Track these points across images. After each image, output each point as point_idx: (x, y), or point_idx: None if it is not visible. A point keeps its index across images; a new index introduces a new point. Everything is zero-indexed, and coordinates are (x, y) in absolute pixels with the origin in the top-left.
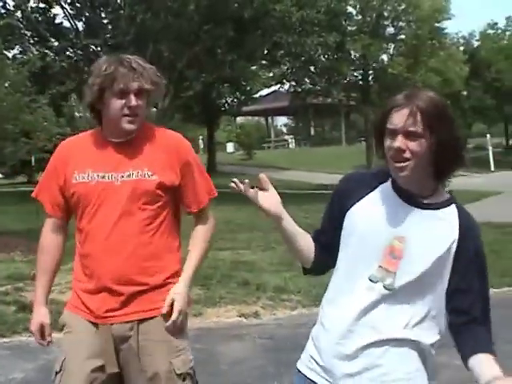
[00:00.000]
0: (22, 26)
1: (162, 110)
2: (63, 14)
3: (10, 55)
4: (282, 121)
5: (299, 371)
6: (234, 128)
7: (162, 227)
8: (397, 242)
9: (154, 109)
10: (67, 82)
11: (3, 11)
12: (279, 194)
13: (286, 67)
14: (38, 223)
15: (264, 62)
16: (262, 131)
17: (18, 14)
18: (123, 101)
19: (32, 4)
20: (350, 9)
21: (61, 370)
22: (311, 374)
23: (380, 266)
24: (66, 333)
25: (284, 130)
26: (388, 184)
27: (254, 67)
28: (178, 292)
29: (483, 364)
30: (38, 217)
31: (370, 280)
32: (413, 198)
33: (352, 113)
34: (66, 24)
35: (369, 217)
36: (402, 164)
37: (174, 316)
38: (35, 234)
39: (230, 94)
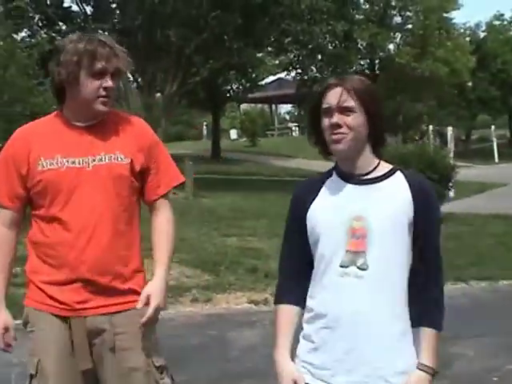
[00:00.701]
0: (30, 9)
1: (169, 95)
2: None
3: (18, 38)
4: (285, 109)
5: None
6: (238, 115)
7: (134, 214)
8: (355, 222)
9: (159, 94)
10: None
11: None
12: (282, 181)
13: (292, 55)
14: None
15: (271, 49)
16: (265, 118)
17: None
18: (99, 81)
19: None
20: None
21: (37, 373)
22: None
23: (347, 251)
24: (31, 331)
25: (287, 117)
26: (334, 176)
27: (260, 54)
28: (155, 287)
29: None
30: None
31: (342, 266)
32: (357, 177)
33: None
34: (75, 8)
35: (324, 210)
36: (339, 136)
37: (150, 312)
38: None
39: (235, 80)
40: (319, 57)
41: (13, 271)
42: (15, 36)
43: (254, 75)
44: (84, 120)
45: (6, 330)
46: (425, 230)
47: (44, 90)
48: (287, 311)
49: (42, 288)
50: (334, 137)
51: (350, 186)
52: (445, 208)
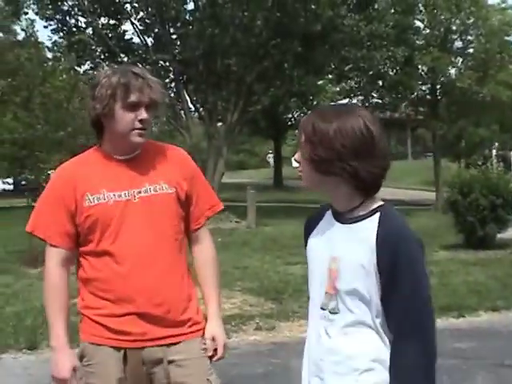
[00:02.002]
0: (92, 41)
1: (230, 124)
2: (133, 30)
3: (81, 70)
4: None
5: None
6: None
7: (183, 243)
8: (333, 263)
9: (220, 123)
10: None
11: (75, 28)
12: None
13: (353, 82)
14: None
15: (331, 76)
16: None
17: (89, 30)
18: (134, 113)
19: (103, 21)
20: (418, 23)
21: None
22: None
23: (326, 292)
24: (88, 365)
25: None
26: (329, 212)
27: (321, 81)
28: (216, 327)
29: None
30: None
31: (322, 308)
32: (340, 215)
33: (419, 127)
34: (136, 40)
35: (315, 247)
36: (299, 171)
37: (221, 352)
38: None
39: (296, 108)
40: (380, 83)
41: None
42: (78, 69)
43: (314, 102)
44: (123, 153)
45: (75, 370)
46: (389, 284)
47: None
48: None
49: (98, 321)
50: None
51: (335, 224)
52: (509, 233)
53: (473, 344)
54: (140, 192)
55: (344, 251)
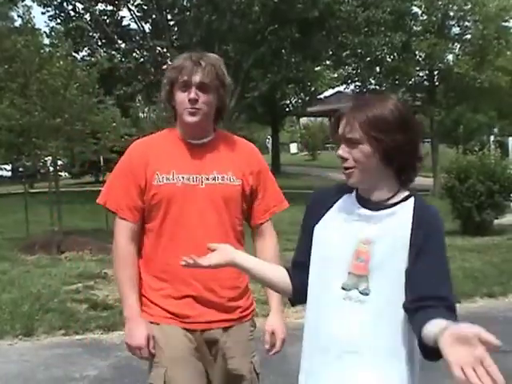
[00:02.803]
0: (90, 28)
1: (228, 110)
2: (130, 16)
3: (78, 57)
4: None
5: None
6: (297, 129)
7: (241, 235)
8: (362, 244)
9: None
10: (134, 83)
11: (73, 14)
12: None
13: (351, 68)
14: (105, 223)
15: (329, 62)
16: (325, 132)
17: (87, 16)
18: (185, 94)
19: (100, 7)
20: (415, 9)
21: (165, 382)
22: None
23: (349, 273)
24: (158, 347)
25: None
26: (352, 193)
27: (318, 68)
28: (277, 322)
29: (435, 323)
30: (107, 217)
31: (343, 289)
32: (372, 202)
33: (417, 113)
34: (133, 26)
35: (332, 228)
36: (347, 171)
37: (278, 346)
38: (103, 233)
39: (294, 94)
40: (377, 69)
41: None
42: (75, 55)
43: (312, 89)
44: (192, 136)
45: (149, 338)
46: (423, 260)
47: (104, 108)
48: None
49: (156, 303)
50: (344, 171)
51: (361, 209)
52: (506, 219)
53: None
54: (208, 179)
55: (378, 234)
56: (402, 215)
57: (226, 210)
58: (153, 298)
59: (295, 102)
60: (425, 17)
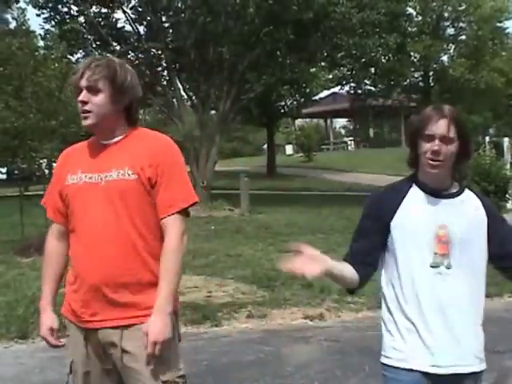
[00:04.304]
0: (84, 30)
1: (223, 112)
2: (125, 19)
3: (73, 59)
4: (340, 123)
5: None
6: (292, 130)
7: (150, 229)
8: (440, 230)
9: (213, 111)
10: None
11: (67, 16)
12: (338, 196)
13: (346, 69)
14: None
15: (324, 63)
16: (321, 133)
17: (81, 18)
18: (79, 97)
19: (94, 9)
20: (410, 10)
21: (71, 371)
22: (416, 365)
23: (435, 253)
24: (67, 335)
25: (342, 132)
26: (414, 187)
27: (313, 69)
28: (151, 323)
29: None
30: None
31: (433, 267)
32: (437, 192)
33: (412, 114)
34: (128, 28)
35: (412, 218)
36: (437, 163)
37: (148, 350)
38: None
39: (289, 95)
40: (373, 70)
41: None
42: (70, 57)
43: (307, 90)
44: (102, 138)
45: (52, 330)
46: (502, 229)
47: None
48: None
49: (67, 299)
50: (432, 162)
51: (432, 199)
52: None
53: None
54: (107, 176)
55: (452, 219)
56: (471, 201)
57: (122, 204)
58: (66, 294)
59: (290, 103)
60: (420, 18)
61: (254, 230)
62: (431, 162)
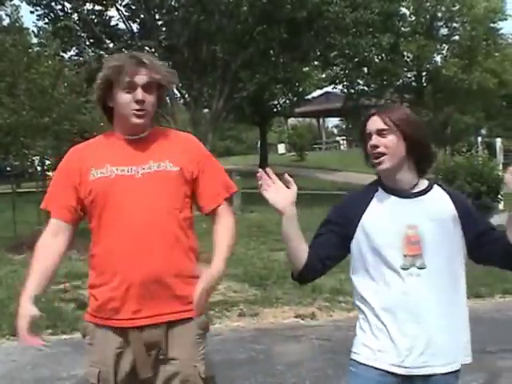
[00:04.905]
0: (78, 27)
1: (216, 110)
2: (118, 16)
3: (66, 56)
4: (332, 122)
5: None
6: (285, 129)
7: (188, 222)
8: (410, 230)
9: (206, 109)
10: None
11: (61, 14)
12: (330, 195)
13: (339, 68)
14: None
15: (317, 63)
16: (313, 132)
17: (75, 16)
18: (131, 95)
19: (88, 6)
20: (403, 10)
21: (99, 381)
22: (384, 365)
23: (405, 255)
24: (90, 344)
25: (335, 131)
26: (380, 191)
27: (306, 68)
28: (207, 273)
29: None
30: None
31: (404, 268)
32: (403, 192)
33: None
34: (121, 26)
35: (379, 221)
36: (380, 158)
37: (196, 295)
38: (90, 233)
39: (282, 95)
40: (365, 70)
41: (53, 279)
42: (63, 55)
43: (300, 89)
44: (131, 134)
45: (32, 318)
46: (475, 222)
47: (92, 108)
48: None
49: (99, 301)
50: (375, 160)
51: (397, 200)
52: (493, 220)
53: None
54: (144, 168)
55: (423, 218)
56: (440, 197)
57: (163, 195)
58: (96, 296)
59: (283, 102)
60: (413, 18)
61: (245, 229)
62: (375, 161)
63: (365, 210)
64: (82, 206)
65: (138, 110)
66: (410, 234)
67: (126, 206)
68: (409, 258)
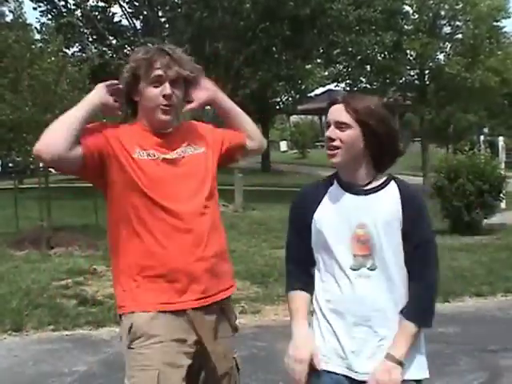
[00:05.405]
0: (81, 24)
1: None
2: (121, 13)
3: (69, 53)
4: None
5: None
6: (287, 126)
7: (216, 201)
8: (359, 229)
9: (208, 106)
10: None
11: (64, 10)
12: None
13: (341, 66)
14: (95, 219)
15: (320, 60)
16: (315, 130)
17: (78, 12)
18: (158, 89)
19: (91, 3)
20: (406, 8)
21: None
22: (336, 368)
23: (355, 255)
24: (142, 346)
25: None
26: (335, 185)
27: (309, 66)
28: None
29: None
30: (96, 213)
31: (352, 269)
32: (356, 187)
33: (407, 112)
34: (125, 22)
35: (329, 219)
36: (333, 152)
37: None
38: (92, 229)
39: (284, 92)
40: (368, 68)
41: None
42: (66, 51)
43: (302, 87)
44: (156, 128)
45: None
46: (412, 231)
47: None
48: (304, 298)
49: (145, 286)
50: (329, 151)
51: (350, 196)
52: (495, 219)
53: (457, 329)
54: (177, 153)
55: (372, 217)
56: (389, 196)
57: (202, 177)
58: (140, 281)
59: (286, 99)
60: (416, 16)
61: (247, 226)
62: (328, 152)
63: (317, 207)
64: (109, 174)
65: (165, 106)
66: (360, 232)
67: (173, 188)
68: (359, 258)
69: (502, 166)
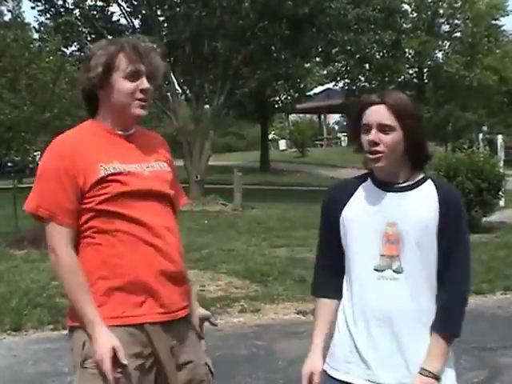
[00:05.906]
0: (79, 23)
1: (217, 107)
2: (120, 12)
3: (67, 52)
4: (334, 118)
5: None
6: (286, 125)
7: (176, 218)
8: (389, 228)
9: (207, 106)
10: None
11: (62, 9)
12: None
13: (340, 65)
14: None
15: (318, 59)
16: (314, 129)
17: (77, 11)
18: (135, 83)
19: (90, 2)
20: (405, 6)
21: None
22: (348, 377)
23: (382, 255)
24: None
25: (336, 127)
26: (368, 181)
27: (308, 64)
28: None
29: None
30: None
31: (377, 270)
32: (391, 185)
33: None
34: (123, 21)
35: (358, 215)
36: (377, 154)
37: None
38: None
39: (283, 91)
40: (367, 66)
41: None
42: (65, 50)
43: (301, 86)
44: (123, 127)
45: (115, 351)
46: (449, 236)
47: None
48: (327, 306)
49: (113, 297)
50: (371, 156)
51: (383, 193)
52: (495, 217)
53: None
54: (148, 167)
55: (403, 216)
56: (424, 197)
57: (166, 195)
58: (108, 292)
59: (284, 98)
60: (415, 14)
61: (247, 225)
62: (371, 157)
63: (348, 201)
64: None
65: (141, 100)
66: (390, 232)
67: (144, 204)
68: (385, 258)
69: (501, 164)
